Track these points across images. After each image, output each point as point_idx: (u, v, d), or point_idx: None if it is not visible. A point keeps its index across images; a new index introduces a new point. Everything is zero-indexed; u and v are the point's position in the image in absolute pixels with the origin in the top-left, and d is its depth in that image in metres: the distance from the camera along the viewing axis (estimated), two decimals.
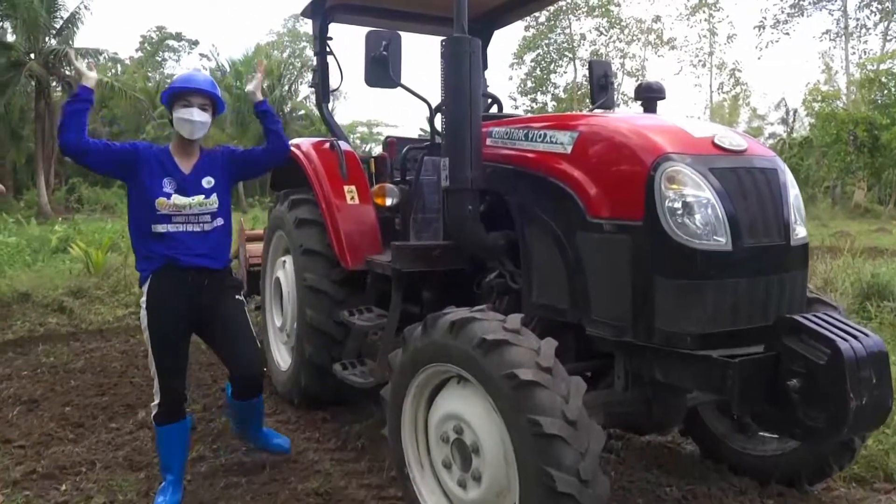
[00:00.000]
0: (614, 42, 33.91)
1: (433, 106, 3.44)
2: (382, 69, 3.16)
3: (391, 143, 4.01)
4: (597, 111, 3.65)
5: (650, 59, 34.22)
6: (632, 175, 2.29)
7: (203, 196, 2.96)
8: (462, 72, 2.76)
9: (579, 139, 2.53)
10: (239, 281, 3.09)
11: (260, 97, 3.16)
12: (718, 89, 35.14)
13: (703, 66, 34.09)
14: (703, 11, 32.50)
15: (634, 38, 34.04)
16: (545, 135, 2.68)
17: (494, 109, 4.39)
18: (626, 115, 2.76)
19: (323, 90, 4.40)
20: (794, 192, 2.44)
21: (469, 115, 2.75)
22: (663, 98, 3.38)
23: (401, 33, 3.27)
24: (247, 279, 5.42)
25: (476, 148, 2.77)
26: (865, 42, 31.58)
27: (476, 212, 2.82)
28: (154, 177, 2.90)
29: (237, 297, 3.13)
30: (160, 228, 2.88)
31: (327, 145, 4.09)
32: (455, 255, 3.15)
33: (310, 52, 47.51)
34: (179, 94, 2.95)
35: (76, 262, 10.12)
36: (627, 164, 2.32)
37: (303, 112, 41.84)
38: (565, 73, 34.70)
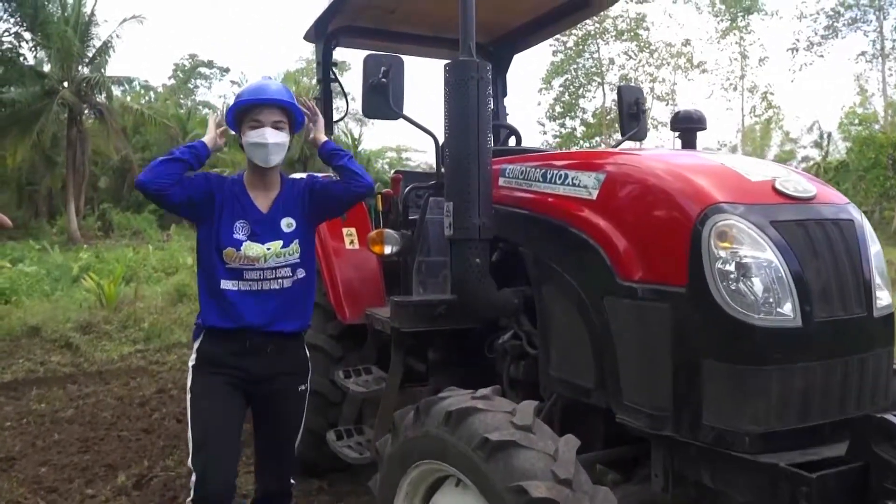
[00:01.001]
0: (643, 66, 33.44)
1: (440, 141, 3.04)
2: (382, 98, 2.77)
3: (396, 180, 3.61)
4: (627, 145, 3.21)
5: (680, 82, 33.40)
6: (672, 229, 1.85)
7: (281, 243, 2.33)
8: (467, 100, 2.35)
9: (606, 182, 2.10)
10: (307, 360, 2.53)
11: (323, 138, 2.54)
12: (751, 113, 34.38)
13: (735, 89, 33.39)
14: (734, 34, 31.92)
15: (664, 61, 33.53)
16: (566, 176, 2.26)
17: (512, 142, 3.99)
18: (662, 153, 2.33)
19: (326, 120, 4.04)
20: (874, 248, 1.97)
21: (476, 152, 2.35)
22: (704, 129, 2.95)
23: (405, 58, 2.89)
24: None
25: (485, 190, 2.36)
26: None
27: (485, 265, 2.39)
28: (225, 219, 2.30)
29: (301, 387, 2.47)
30: (228, 286, 2.29)
31: None
32: (462, 313, 2.72)
33: (340, 79, 48.12)
34: (247, 110, 2.34)
35: (90, 293, 9.90)
36: (667, 216, 1.88)
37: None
38: (594, 97, 34.23)
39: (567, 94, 34.06)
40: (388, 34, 4.19)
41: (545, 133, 34.24)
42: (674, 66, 33.17)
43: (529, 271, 2.40)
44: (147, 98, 42.13)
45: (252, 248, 2.29)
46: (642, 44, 32.86)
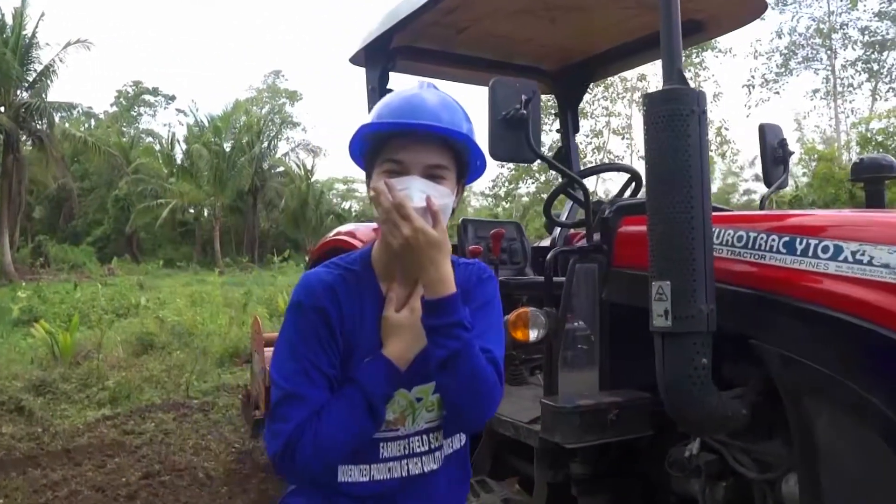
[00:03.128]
0: (598, 100, 33.71)
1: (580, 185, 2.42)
2: (519, 135, 2.12)
3: (498, 236, 2.93)
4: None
5: (635, 116, 33.89)
6: None
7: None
8: (687, 142, 1.72)
9: None
10: None
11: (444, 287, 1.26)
12: None
13: None
14: (689, 70, 32.51)
15: (619, 96, 33.88)
16: (839, 249, 1.64)
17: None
18: None
19: None
20: None
21: (701, 212, 1.71)
22: (895, 176, 2.42)
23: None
24: (265, 397, 4.24)
25: (710, 265, 1.73)
26: (852, 101, 31.87)
27: (710, 366, 1.74)
28: (354, 356, 1.32)
29: None
30: (353, 475, 1.33)
31: None
32: (639, 419, 2.08)
33: (290, 109, 47.11)
34: (384, 140, 1.31)
35: (40, 344, 8.76)
36: None
37: (282, 169, 41.01)
38: (551, 130, 34.30)
39: None
40: (449, 57, 3.59)
41: (502, 165, 34.09)
42: (629, 99, 33.53)
43: (777, 375, 1.75)
44: (88, 125, 40.32)
45: (392, 402, 1.34)
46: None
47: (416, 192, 1.25)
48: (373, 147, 1.33)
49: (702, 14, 3.03)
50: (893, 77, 27.81)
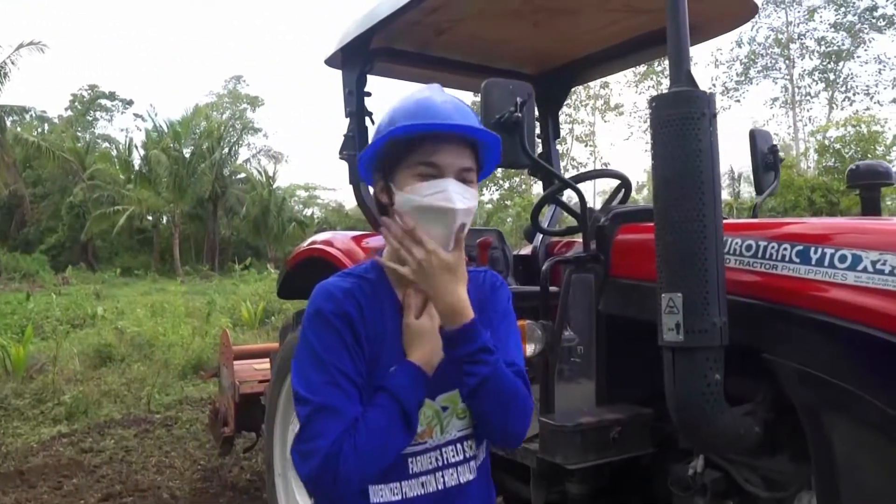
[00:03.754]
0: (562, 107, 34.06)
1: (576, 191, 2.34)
2: (514, 140, 2.02)
3: (485, 245, 2.82)
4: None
5: (597, 124, 34.32)
6: None
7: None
8: (699, 147, 1.64)
9: None
10: None
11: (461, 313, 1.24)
12: None
13: None
14: (652, 79, 33.03)
15: (582, 103, 34.24)
16: (857, 258, 1.57)
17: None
18: None
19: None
20: None
21: (713, 221, 1.63)
22: (891, 184, 2.39)
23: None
24: (234, 413, 4.05)
25: (723, 277, 1.64)
26: (809, 110, 32.75)
27: (722, 383, 1.66)
28: (377, 368, 1.25)
29: None
30: (384, 496, 1.25)
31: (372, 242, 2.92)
32: (641, 435, 1.99)
33: (251, 115, 46.45)
34: (412, 144, 1.25)
35: None
36: None
37: (243, 175, 40.39)
38: None
39: None
40: (428, 59, 3.47)
41: None
42: (592, 107, 33.90)
43: (792, 390, 1.67)
44: (41, 130, 39.12)
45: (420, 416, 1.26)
46: None
47: (455, 194, 1.24)
48: (394, 152, 1.28)
49: (693, 17, 2.97)
50: (849, 87, 28.70)
